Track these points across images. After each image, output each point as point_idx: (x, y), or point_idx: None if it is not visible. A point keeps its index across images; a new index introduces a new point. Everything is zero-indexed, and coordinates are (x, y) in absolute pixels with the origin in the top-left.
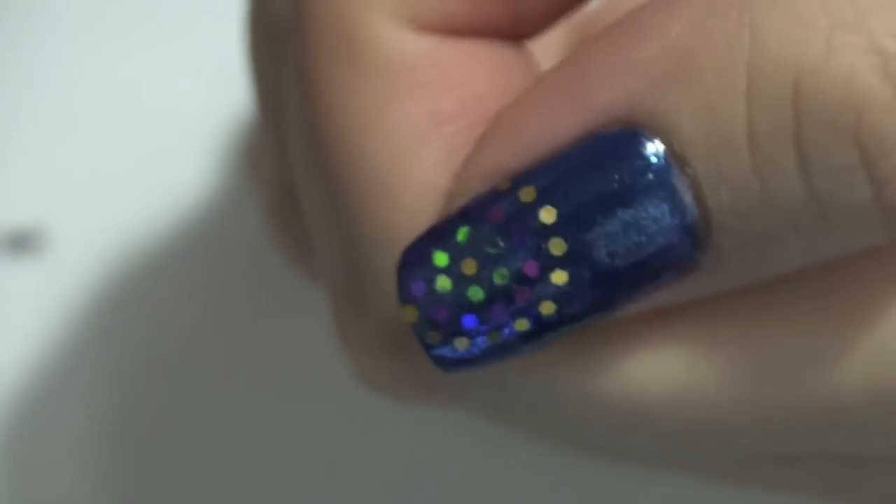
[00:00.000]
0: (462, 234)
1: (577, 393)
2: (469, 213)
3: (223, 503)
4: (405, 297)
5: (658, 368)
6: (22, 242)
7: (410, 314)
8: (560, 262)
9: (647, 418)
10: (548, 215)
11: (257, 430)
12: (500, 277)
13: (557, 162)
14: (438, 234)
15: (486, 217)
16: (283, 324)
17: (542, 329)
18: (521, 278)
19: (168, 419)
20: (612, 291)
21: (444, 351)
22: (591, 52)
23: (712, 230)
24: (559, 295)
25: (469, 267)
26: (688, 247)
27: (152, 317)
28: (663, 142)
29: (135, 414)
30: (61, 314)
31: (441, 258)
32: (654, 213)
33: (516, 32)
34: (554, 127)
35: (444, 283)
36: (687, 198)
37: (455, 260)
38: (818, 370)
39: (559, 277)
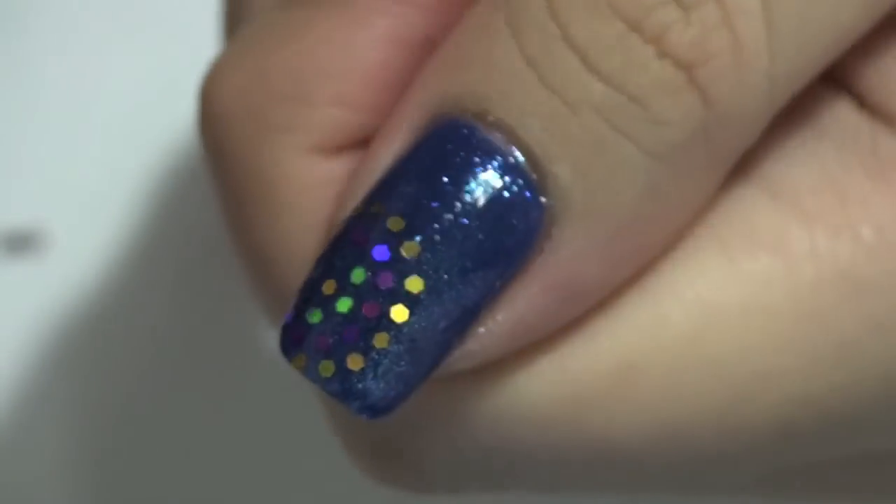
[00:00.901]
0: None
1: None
2: (327, 257)
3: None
4: (290, 354)
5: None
6: (21, 242)
7: (299, 362)
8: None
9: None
10: (381, 209)
11: (261, 429)
12: (358, 277)
13: (392, 177)
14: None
15: (347, 240)
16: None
17: (432, 314)
18: (377, 267)
19: (167, 419)
20: (480, 269)
21: (347, 384)
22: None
23: (542, 164)
24: (430, 275)
25: (329, 287)
26: (527, 189)
27: (152, 317)
28: (460, 114)
29: (133, 414)
30: (60, 314)
31: (315, 315)
32: (485, 172)
33: None
34: (381, 154)
35: (315, 316)
36: (503, 144)
37: (322, 296)
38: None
39: (410, 249)
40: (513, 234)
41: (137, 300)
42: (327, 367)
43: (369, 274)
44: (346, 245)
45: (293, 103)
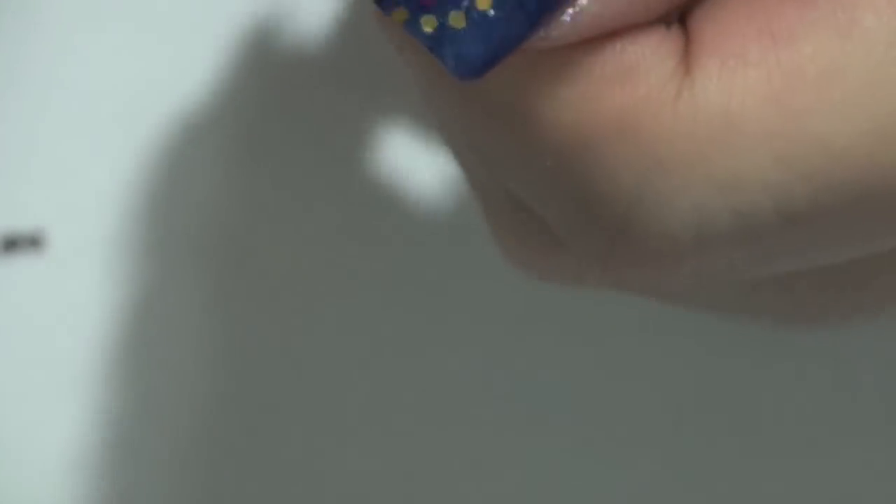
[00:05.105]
0: None
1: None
2: None
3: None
4: (388, 7)
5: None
6: (20, 243)
7: (400, 15)
8: None
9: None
10: None
11: (256, 428)
12: None
13: None
14: None
15: None
16: (282, 324)
17: None
18: None
19: (166, 420)
20: None
21: (446, 39)
22: None
23: None
24: None
25: None
26: None
27: (151, 318)
28: None
29: (133, 415)
30: (59, 315)
31: None
32: None
33: None
34: None
35: None
36: None
37: None
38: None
39: None
40: None
41: (136, 300)
42: (429, 22)
43: None
44: None
45: None
